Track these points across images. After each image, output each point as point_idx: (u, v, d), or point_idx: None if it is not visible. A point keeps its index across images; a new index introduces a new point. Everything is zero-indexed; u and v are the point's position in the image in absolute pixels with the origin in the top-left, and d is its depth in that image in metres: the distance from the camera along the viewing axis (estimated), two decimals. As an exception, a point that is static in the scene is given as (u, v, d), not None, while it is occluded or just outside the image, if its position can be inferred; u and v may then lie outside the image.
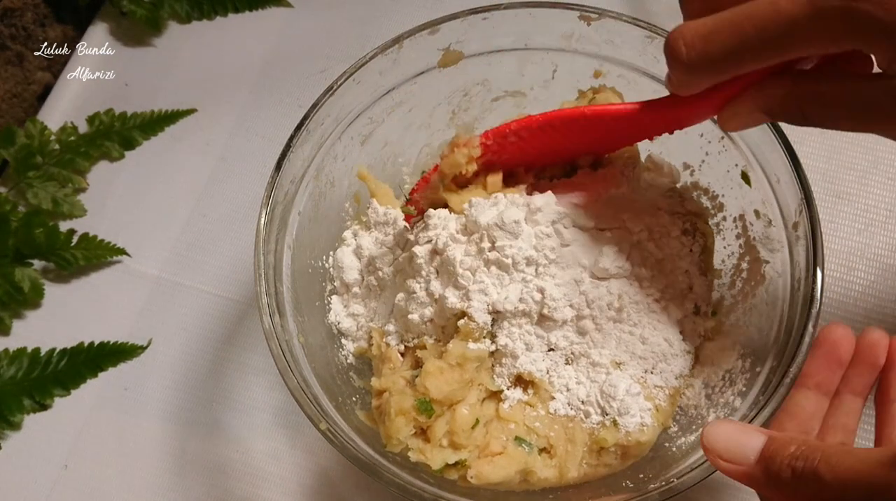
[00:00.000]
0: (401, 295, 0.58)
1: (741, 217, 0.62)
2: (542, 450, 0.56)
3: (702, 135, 0.62)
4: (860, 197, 0.73)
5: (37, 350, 0.74)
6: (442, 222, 0.57)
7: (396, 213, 0.63)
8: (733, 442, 0.43)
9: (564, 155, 0.61)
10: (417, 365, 0.56)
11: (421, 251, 0.57)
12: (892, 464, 0.35)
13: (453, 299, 0.54)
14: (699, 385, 0.59)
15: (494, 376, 0.56)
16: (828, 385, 0.52)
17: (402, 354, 0.58)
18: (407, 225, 0.62)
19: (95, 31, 0.90)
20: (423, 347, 0.56)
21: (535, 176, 0.62)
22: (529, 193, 0.58)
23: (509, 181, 0.60)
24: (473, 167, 0.58)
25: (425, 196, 0.60)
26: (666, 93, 0.50)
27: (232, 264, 0.77)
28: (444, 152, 0.58)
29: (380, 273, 0.62)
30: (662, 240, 0.59)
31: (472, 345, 0.55)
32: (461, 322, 0.55)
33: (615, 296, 0.56)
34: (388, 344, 0.58)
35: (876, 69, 0.44)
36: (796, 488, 0.39)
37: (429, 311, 0.56)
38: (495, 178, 0.59)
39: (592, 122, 0.54)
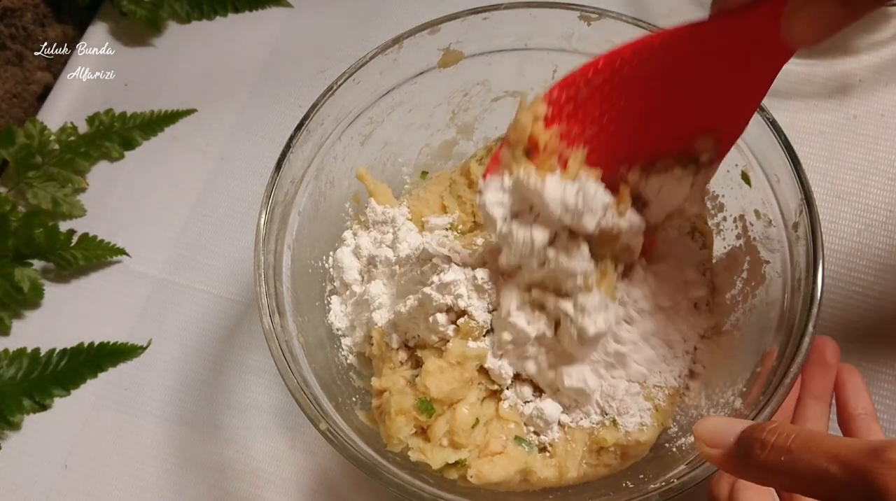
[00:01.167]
0: (409, 301, 0.58)
1: (741, 217, 0.62)
2: (541, 450, 0.56)
3: (702, 136, 0.62)
4: (860, 197, 0.73)
5: (37, 350, 0.74)
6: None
7: (395, 212, 0.63)
8: (719, 429, 0.43)
9: (670, 136, 0.50)
10: (417, 364, 0.56)
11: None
12: (873, 454, 0.35)
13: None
14: (699, 385, 0.59)
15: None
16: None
17: (404, 360, 0.58)
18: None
19: (95, 31, 0.90)
20: (424, 347, 0.56)
21: (644, 168, 0.51)
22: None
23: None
24: (545, 135, 0.48)
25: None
26: None
27: (232, 264, 0.77)
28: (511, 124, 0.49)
29: (378, 271, 0.62)
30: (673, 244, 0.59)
31: (471, 344, 0.55)
32: (461, 320, 0.55)
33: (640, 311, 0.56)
34: (388, 344, 0.58)
35: None
36: (765, 464, 0.39)
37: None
38: (577, 158, 0.50)
39: (669, 50, 0.45)
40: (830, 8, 0.40)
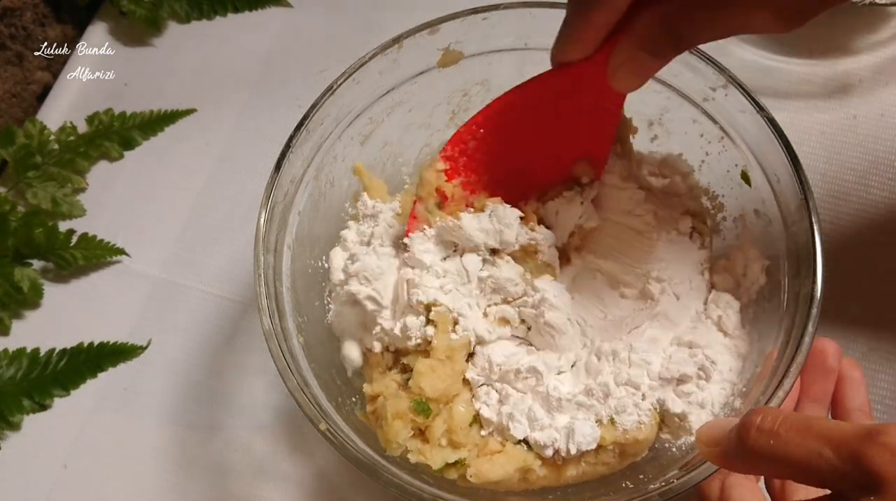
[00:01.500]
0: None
1: (741, 217, 0.62)
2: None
3: (702, 136, 0.62)
4: (860, 197, 0.73)
5: (36, 350, 0.74)
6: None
7: (383, 207, 0.63)
8: (718, 428, 0.43)
9: (552, 168, 0.60)
10: (406, 369, 0.56)
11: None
12: (867, 437, 0.35)
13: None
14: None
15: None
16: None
17: (391, 364, 0.58)
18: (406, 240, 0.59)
19: (95, 31, 0.90)
20: (406, 353, 0.56)
21: (539, 198, 0.61)
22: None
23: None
24: (450, 187, 0.58)
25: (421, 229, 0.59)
26: None
27: (232, 264, 0.77)
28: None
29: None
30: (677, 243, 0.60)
31: (454, 335, 0.55)
32: (432, 313, 0.55)
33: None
34: (370, 350, 0.58)
35: None
36: (755, 449, 0.39)
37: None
38: (481, 200, 0.58)
39: (525, 98, 0.54)
40: (644, 62, 0.47)
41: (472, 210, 0.58)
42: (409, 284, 0.56)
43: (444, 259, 0.57)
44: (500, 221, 0.56)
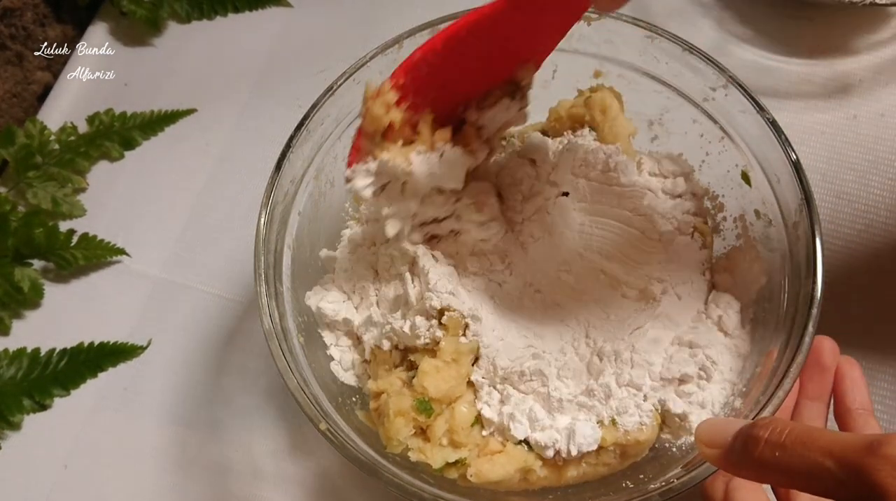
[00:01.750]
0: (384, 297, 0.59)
1: (741, 217, 0.62)
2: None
3: (702, 136, 0.62)
4: (860, 197, 0.73)
5: (37, 350, 0.74)
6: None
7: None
8: (717, 429, 0.43)
9: (496, 75, 0.56)
10: (412, 366, 0.56)
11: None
12: (868, 449, 0.35)
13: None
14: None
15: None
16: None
17: (398, 362, 0.58)
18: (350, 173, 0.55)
19: (95, 31, 0.90)
20: (414, 351, 0.56)
21: (478, 106, 0.57)
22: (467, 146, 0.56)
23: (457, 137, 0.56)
24: (398, 115, 0.52)
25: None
26: None
27: (232, 264, 0.77)
28: (361, 111, 0.53)
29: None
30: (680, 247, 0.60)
31: (463, 339, 0.55)
32: (445, 317, 0.55)
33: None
34: (379, 347, 0.58)
35: None
36: (760, 461, 0.39)
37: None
38: (443, 133, 0.54)
39: (495, 21, 0.50)
40: None
41: (418, 144, 0.54)
42: (420, 287, 0.55)
43: (383, 187, 0.55)
44: (451, 168, 0.54)
